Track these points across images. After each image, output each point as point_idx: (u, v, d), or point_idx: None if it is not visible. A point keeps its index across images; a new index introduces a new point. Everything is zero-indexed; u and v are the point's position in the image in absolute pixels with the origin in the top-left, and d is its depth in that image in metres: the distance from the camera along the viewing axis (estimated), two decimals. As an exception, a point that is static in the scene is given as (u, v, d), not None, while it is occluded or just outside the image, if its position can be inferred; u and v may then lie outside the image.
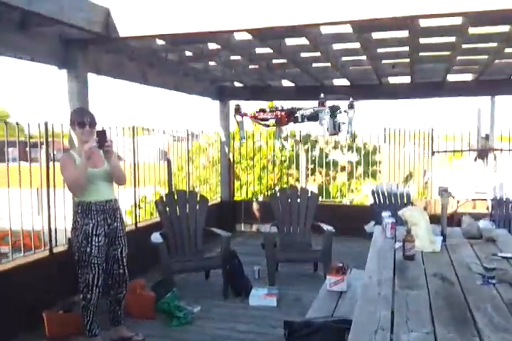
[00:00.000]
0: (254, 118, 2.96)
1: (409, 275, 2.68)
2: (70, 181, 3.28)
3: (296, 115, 2.90)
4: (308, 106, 2.96)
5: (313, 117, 2.91)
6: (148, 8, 3.77)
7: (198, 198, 5.52)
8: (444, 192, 3.56)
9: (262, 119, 2.97)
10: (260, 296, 4.45)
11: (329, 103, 2.91)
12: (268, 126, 3.02)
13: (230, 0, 3.59)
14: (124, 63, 4.85)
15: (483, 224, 3.92)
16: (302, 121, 2.95)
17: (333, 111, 2.89)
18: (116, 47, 4.45)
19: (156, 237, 4.76)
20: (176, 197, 5.45)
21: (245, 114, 2.94)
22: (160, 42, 4.45)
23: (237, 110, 2.89)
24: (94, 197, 3.36)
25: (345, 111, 2.99)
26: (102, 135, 3.27)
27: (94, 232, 3.32)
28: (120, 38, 3.80)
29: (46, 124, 4.21)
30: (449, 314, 2.04)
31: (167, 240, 4.91)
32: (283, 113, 2.91)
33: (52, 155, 4.36)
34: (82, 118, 3.34)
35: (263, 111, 3.00)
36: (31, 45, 3.85)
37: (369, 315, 2.01)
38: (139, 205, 6.23)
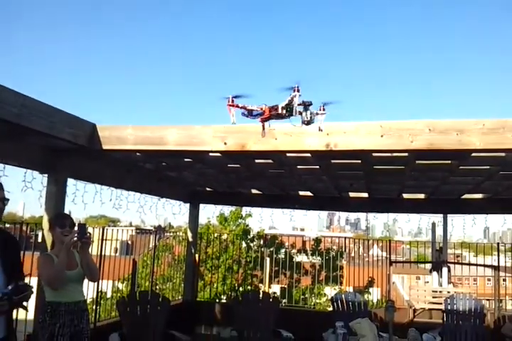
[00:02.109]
0: (244, 108, 3.21)
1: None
2: (51, 276, 3.48)
3: (276, 107, 3.15)
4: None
5: (289, 107, 3.13)
6: (131, 125, 4.19)
7: (160, 300, 5.58)
8: (390, 307, 3.80)
9: (250, 110, 3.22)
10: None
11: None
12: (255, 116, 3.25)
13: (206, 123, 4.05)
14: (102, 170, 5.18)
15: (426, 337, 4.12)
16: (282, 115, 3.17)
17: (306, 104, 3.15)
18: (96, 155, 4.80)
19: (114, 338, 4.74)
20: (137, 298, 5.51)
21: (237, 105, 3.19)
22: (138, 153, 4.83)
23: (231, 100, 3.14)
24: (64, 298, 3.55)
25: (316, 113, 3.24)
26: (82, 228, 3.59)
27: (60, 332, 3.45)
28: (103, 150, 4.17)
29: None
30: None
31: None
32: (266, 106, 3.19)
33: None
34: (63, 221, 3.72)
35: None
36: (18, 153, 4.14)
37: None
38: (99, 302, 6.20)
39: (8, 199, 2.67)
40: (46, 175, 4.43)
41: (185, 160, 5.06)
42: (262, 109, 3.16)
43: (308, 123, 3.14)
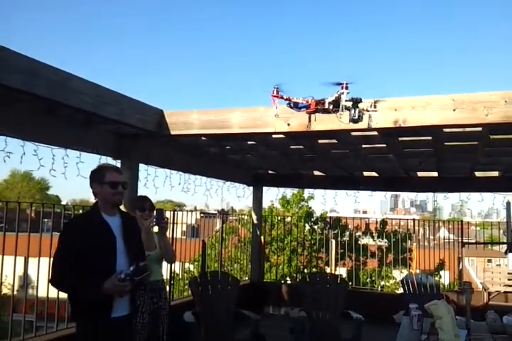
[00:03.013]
0: (289, 100, 3.22)
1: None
2: None
3: (323, 101, 3.12)
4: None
5: (337, 103, 3.09)
6: (196, 110, 4.26)
7: (230, 279, 5.70)
8: (467, 289, 3.68)
9: (295, 103, 3.22)
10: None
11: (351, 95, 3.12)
12: (300, 109, 3.24)
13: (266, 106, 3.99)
14: (170, 155, 5.33)
15: (507, 320, 3.97)
16: (328, 110, 3.13)
17: (355, 101, 3.08)
18: (165, 141, 4.94)
19: (188, 316, 4.87)
20: (209, 278, 5.65)
21: (282, 97, 3.19)
22: (204, 138, 4.92)
23: (275, 91, 3.14)
24: None
25: (367, 110, 3.17)
26: (160, 213, 3.73)
27: (141, 310, 3.60)
28: (170, 135, 4.27)
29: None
30: None
31: (198, 320, 5.02)
32: (313, 100, 3.17)
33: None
34: (143, 204, 3.88)
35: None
36: (92, 140, 4.35)
37: None
38: (172, 283, 6.43)
39: (127, 183, 2.77)
40: (119, 161, 4.61)
41: (249, 142, 5.09)
42: (307, 101, 3.11)
43: (356, 121, 3.05)
